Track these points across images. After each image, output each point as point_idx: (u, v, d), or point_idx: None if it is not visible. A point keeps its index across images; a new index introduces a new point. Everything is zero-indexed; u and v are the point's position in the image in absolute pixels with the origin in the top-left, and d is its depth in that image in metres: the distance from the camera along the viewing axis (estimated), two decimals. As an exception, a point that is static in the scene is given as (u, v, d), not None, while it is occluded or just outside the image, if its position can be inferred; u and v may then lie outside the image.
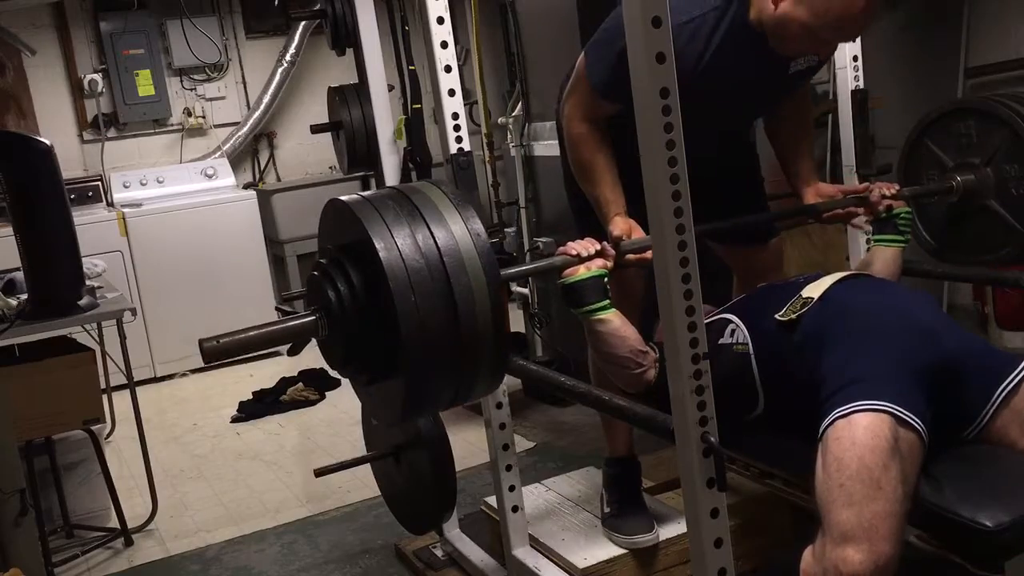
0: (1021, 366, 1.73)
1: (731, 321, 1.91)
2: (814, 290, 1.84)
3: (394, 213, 1.49)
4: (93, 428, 3.32)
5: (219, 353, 1.44)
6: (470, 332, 1.46)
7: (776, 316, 1.83)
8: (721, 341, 1.88)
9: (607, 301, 1.84)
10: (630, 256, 1.89)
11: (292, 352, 1.62)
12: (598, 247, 1.83)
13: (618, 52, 1.87)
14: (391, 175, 2.84)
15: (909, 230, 2.21)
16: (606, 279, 1.83)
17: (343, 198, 1.56)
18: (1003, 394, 1.71)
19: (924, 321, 1.75)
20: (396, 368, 1.48)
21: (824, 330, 1.75)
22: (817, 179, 2.28)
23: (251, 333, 1.49)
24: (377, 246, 1.43)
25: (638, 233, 1.94)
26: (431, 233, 1.47)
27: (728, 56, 1.90)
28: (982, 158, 2.38)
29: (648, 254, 1.87)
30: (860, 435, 1.53)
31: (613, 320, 1.86)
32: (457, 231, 1.49)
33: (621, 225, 1.97)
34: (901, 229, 2.20)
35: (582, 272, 1.81)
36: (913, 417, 1.57)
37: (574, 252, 1.82)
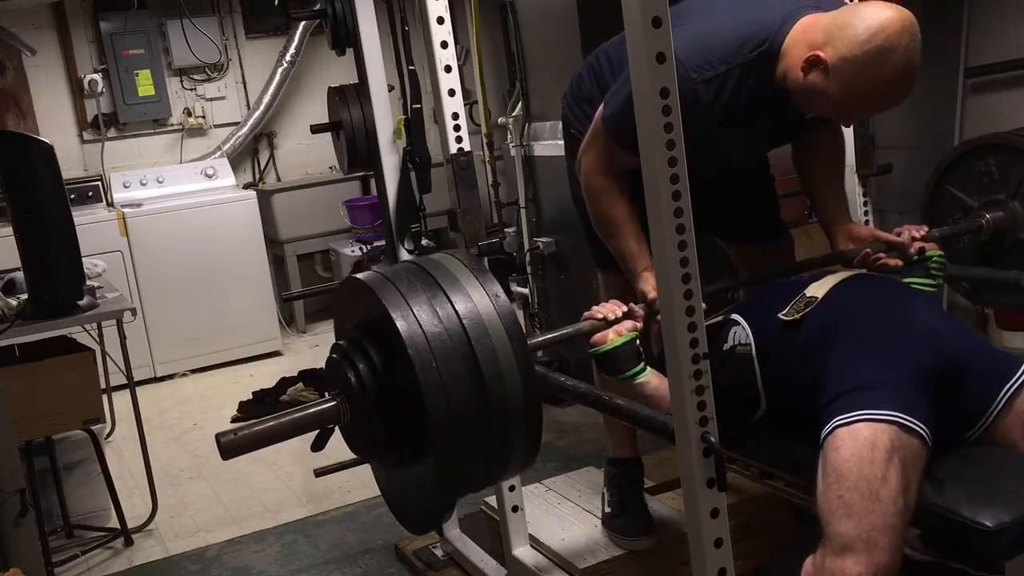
0: (1021, 369, 1.73)
1: (736, 322, 1.90)
2: (818, 289, 1.83)
3: (409, 284, 1.44)
4: (93, 428, 3.32)
5: (237, 448, 1.38)
6: (498, 395, 1.39)
7: (779, 315, 1.82)
8: (725, 347, 1.87)
9: (642, 364, 1.80)
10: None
11: (316, 448, 1.56)
12: (624, 309, 1.79)
13: None
14: (391, 175, 2.84)
15: (941, 274, 2.13)
16: (638, 340, 1.79)
17: (359, 276, 1.51)
18: (1006, 396, 1.71)
19: (928, 323, 1.75)
20: (424, 446, 1.41)
21: (827, 331, 1.74)
22: (850, 220, 2.20)
23: (270, 423, 1.44)
24: (393, 315, 1.38)
25: None
26: (448, 299, 1.42)
27: (751, 109, 1.88)
28: (1007, 193, 2.34)
29: None
30: (860, 446, 1.53)
31: (651, 381, 1.81)
32: (475, 295, 1.44)
33: (652, 281, 1.88)
34: (933, 273, 2.11)
35: (612, 339, 1.77)
36: (918, 423, 1.56)
37: (600, 316, 1.78)
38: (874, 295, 1.85)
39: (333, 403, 1.47)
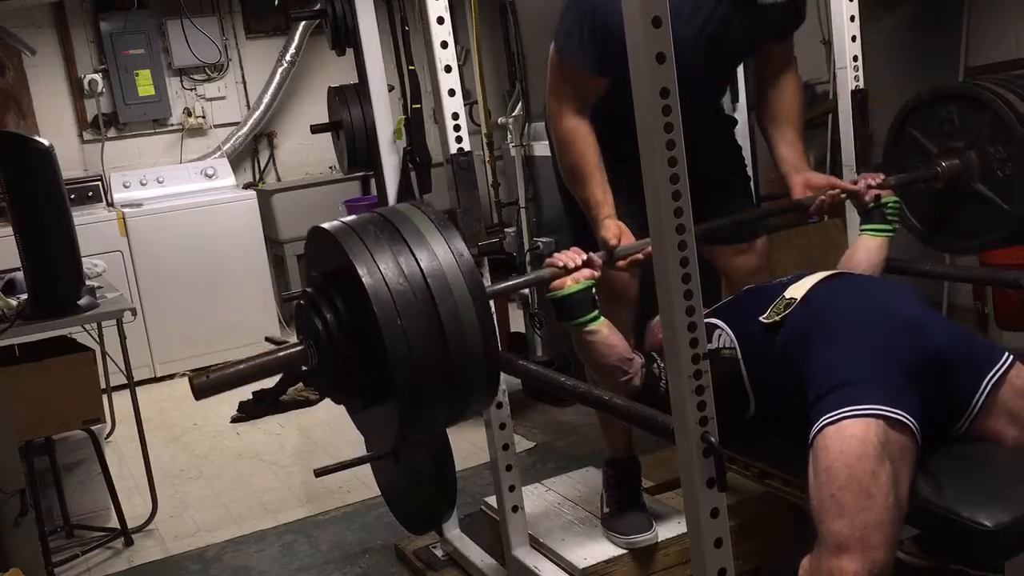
0: (1003, 358, 1.74)
1: (717, 326, 1.92)
2: (797, 291, 1.85)
3: (375, 238, 1.51)
4: (93, 428, 3.32)
5: (209, 388, 1.45)
6: (459, 348, 1.47)
7: (760, 318, 1.84)
8: (710, 347, 1.88)
9: (595, 312, 1.84)
10: (621, 262, 1.90)
11: (276, 393, 1.65)
12: (585, 257, 1.83)
13: (589, 27, 1.93)
14: (391, 175, 2.84)
15: (897, 219, 2.21)
16: (594, 289, 1.83)
17: (325, 226, 1.58)
18: (989, 385, 1.72)
19: (909, 316, 1.76)
20: (388, 391, 1.49)
21: (809, 331, 1.75)
22: (807, 167, 2.25)
23: (241, 366, 1.51)
24: (360, 272, 1.45)
25: (628, 237, 1.95)
26: (413, 255, 1.49)
27: (699, 10, 1.92)
28: (966, 142, 2.36)
29: (639, 255, 1.88)
30: (848, 443, 1.54)
31: (602, 330, 1.86)
32: (439, 252, 1.51)
33: (612, 229, 1.96)
34: (889, 219, 2.20)
35: (570, 285, 1.80)
36: (906, 416, 1.57)
37: (560, 263, 1.82)
38: (853, 291, 1.86)
39: (301, 347, 1.55)
